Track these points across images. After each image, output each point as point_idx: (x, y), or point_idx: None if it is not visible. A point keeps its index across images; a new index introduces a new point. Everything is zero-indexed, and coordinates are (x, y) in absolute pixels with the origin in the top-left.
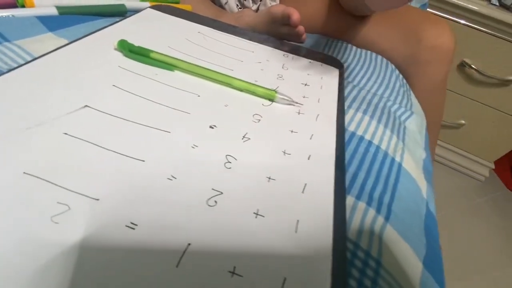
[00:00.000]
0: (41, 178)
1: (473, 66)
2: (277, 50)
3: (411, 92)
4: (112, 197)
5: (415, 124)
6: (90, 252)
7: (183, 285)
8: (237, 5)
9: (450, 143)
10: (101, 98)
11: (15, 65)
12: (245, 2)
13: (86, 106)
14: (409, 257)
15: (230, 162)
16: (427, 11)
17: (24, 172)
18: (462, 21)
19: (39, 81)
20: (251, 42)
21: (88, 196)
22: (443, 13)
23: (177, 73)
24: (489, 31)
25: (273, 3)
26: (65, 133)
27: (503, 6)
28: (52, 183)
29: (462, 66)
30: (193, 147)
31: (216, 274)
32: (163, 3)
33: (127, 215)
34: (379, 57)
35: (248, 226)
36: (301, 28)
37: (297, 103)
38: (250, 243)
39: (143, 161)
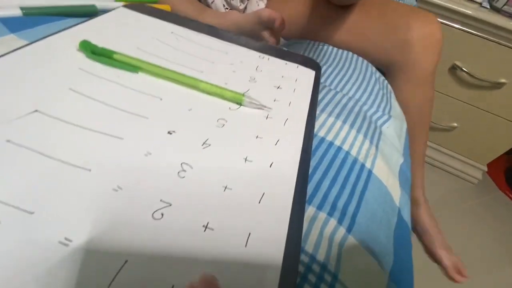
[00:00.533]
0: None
1: (464, 69)
2: (252, 51)
3: (392, 95)
4: (47, 210)
5: (393, 128)
6: (16, 268)
7: None
8: (224, 5)
9: (443, 145)
10: (55, 103)
11: None
12: (233, 2)
13: (36, 111)
14: (372, 269)
15: (184, 171)
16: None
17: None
18: (453, 24)
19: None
20: (226, 42)
21: (21, 209)
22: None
23: (141, 75)
24: (480, 34)
25: (261, 3)
26: (8, 140)
27: (494, 9)
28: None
29: (453, 69)
30: (146, 155)
31: None
32: (137, 2)
33: (61, 230)
34: (360, 59)
35: (194, 240)
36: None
37: (265, 107)
38: (194, 258)
39: (89, 170)
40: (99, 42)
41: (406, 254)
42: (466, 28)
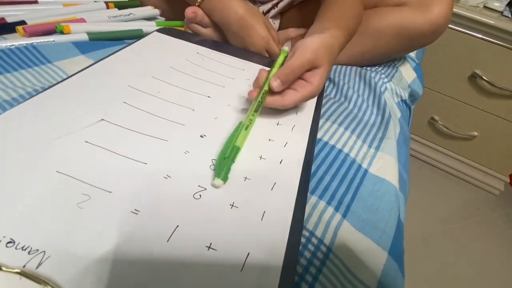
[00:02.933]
0: (69, 176)
1: (484, 78)
2: (266, 68)
3: (387, 104)
4: (121, 189)
5: (393, 132)
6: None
7: None
8: None
9: (463, 155)
10: (114, 113)
11: (54, 83)
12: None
13: (102, 119)
14: (366, 247)
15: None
16: None
17: (56, 171)
18: (474, 34)
19: (68, 97)
20: (242, 60)
21: (103, 189)
22: (453, 25)
23: (176, 89)
24: (500, 42)
25: (276, 22)
26: (86, 141)
27: None
28: (77, 179)
29: (473, 77)
30: (185, 153)
31: None
32: (170, 26)
33: (132, 204)
34: (361, 73)
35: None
36: None
37: None
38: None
39: (145, 163)
40: (142, 63)
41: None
42: (487, 37)
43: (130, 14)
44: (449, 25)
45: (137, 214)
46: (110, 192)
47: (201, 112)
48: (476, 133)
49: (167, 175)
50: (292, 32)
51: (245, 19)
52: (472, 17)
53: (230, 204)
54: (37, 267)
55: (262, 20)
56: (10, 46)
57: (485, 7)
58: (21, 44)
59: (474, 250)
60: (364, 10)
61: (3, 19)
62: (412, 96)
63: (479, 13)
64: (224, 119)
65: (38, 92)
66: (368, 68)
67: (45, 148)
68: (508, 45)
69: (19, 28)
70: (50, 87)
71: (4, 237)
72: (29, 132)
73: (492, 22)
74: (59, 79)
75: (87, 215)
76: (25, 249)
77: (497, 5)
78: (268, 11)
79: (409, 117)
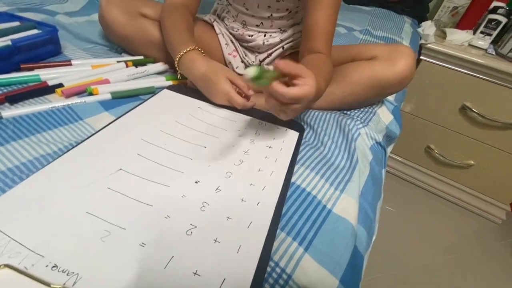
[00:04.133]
0: (95, 216)
1: (474, 110)
2: (254, 119)
3: (357, 149)
4: (133, 226)
5: (357, 174)
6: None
7: None
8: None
9: (462, 183)
10: (129, 163)
11: (83, 138)
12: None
13: (120, 169)
14: (322, 276)
15: (204, 206)
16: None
17: (86, 212)
18: (461, 70)
19: (94, 152)
20: (235, 113)
21: (120, 226)
22: (441, 62)
23: (178, 141)
24: (487, 78)
25: (270, 67)
26: (108, 188)
27: (499, 55)
28: (101, 218)
29: (463, 109)
30: (182, 197)
31: None
32: (179, 80)
33: (140, 238)
34: (337, 119)
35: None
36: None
37: None
38: None
39: (151, 205)
40: (154, 118)
41: (357, 273)
42: (473, 72)
43: (145, 71)
44: (438, 62)
45: (143, 246)
46: (125, 229)
47: (198, 161)
48: (472, 162)
49: (167, 215)
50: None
51: (207, 76)
52: (458, 55)
53: (214, 239)
54: (73, 285)
55: (224, 75)
56: (51, 108)
57: (470, 45)
58: (60, 106)
59: (478, 280)
60: (343, 64)
61: (45, 82)
62: (389, 136)
63: (464, 51)
64: (216, 166)
65: (71, 148)
66: (347, 113)
67: (78, 194)
68: (494, 80)
69: (58, 90)
70: (78, 144)
71: (50, 262)
72: (66, 181)
73: (477, 59)
74: (88, 134)
75: (108, 246)
76: (64, 272)
77: (481, 43)
78: (264, 59)
79: (384, 157)
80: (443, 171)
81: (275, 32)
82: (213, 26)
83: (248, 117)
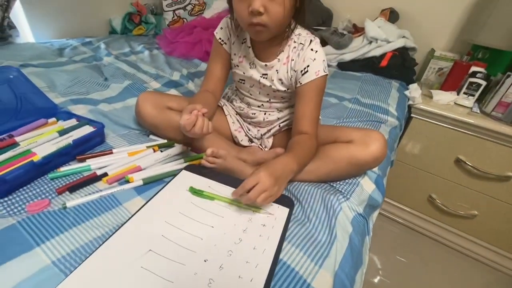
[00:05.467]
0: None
1: (468, 163)
2: None
3: (336, 225)
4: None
5: (335, 249)
6: None
7: None
8: (248, 140)
9: (470, 233)
10: (156, 244)
11: (122, 223)
12: (253, 140)
13: (150, 250)
14: None
15: (211, 283)
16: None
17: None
18: (450, 127)
19: (128, 236)
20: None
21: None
22: (430, 119)
23: (192, 222)
24: (475, 134)
25: (270, 140)
26: (142, 267)
27: (483, 113)
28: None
29: (458, 161)
30: (195, 274)
31: None
32: (195, 159)
33: None
34: (329, 196)
35: None
36: None
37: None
38: None
39: (172, 282)
40: (172, 200)
41: None
42: (461, 129)
43: (168, 155)
44: (428, 120)
45: None
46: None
47: (207, 241)
48: (476, 212)
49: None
50: (279, 150)
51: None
52: (445, 114)
53: None
54: None
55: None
56: (100, 196)
57: (456, 103)
58: (106, 194)
59: None
60: (326, 144)
61: (95, 173)
62: (372, 205)
63: (451, 110)
64: (221, 245)
65: (114, 231)
66: (333, 185)
67: (121, 274)
68: (481, 136)
69: (104, 179)
70: (117, 230)
71: None
72: (112, 262)
73: (463, 118)
74: (126, 217)
75: None
76: None
77: (466, 103)
78: (265, 133)
79: (366, 226)
80: (448, 220)
81: (273, 111)
82: (223, 109)
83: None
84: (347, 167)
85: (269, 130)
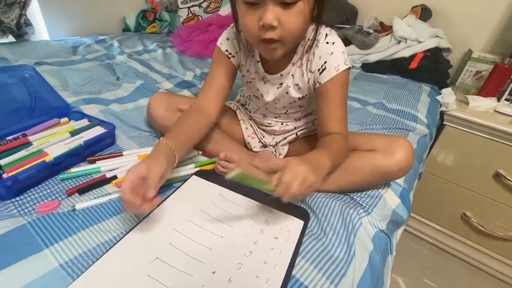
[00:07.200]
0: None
1: (509, 178)
2: (265, 206)
3: (355, 241)
4: None
5: (353, 268)
6: None
7: None
8: (260, 146)
9: (510, 258)
10: (163, 252)
11: (132, 226)
12: (267, 145)
13: (157, 258)
14: None
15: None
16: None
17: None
18: (489, 137)
19: (134, 242)
20: (249, 199)
21: None
22: (466, 128)
23: (201, 231)
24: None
25: (285, 147)
26: (148, 275)
27: None
28: None
29: (498, 176)
30: (202, 286)
31: None
32: (207, 164)
33: None
34: (348, 210)
35: None
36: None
37: None
38: None
39: (192, 275)
40: (181, 207)
41: None
42: (503, 140)
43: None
44: (464, 128)
45: None
46: None
47: (215, 251)
48: None
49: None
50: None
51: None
52: (483, 123)
53: None
54: None
55: (142, 168)
56: (109, 200)
57: (495, 111)
58: (115, 198)
59: None
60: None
61: (104, 175)
62: (395, 220)
63: (490, 118)
64: (230, 256)
65: (122, 237)
66: (353, 198)
67: (126, 280)
68: None
69: (113, 182)
70: (125, 235)
71: None
72: (118, 268)
73: (504, 128)
74: (134, 222)
75: None
76: None
77: (508, 110)
78: (280, 141)
79: (389, 244)
80: (484, 242)
81: (290, 121)
82: (236, 113)
83: (260, 204)
84: (369, 176)
85: (285, 138)
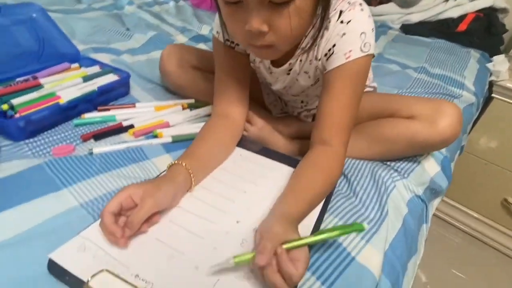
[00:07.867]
0: (162, 242)
1: None
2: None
3: (388, 202)
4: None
5: (385, 226)
6: None
7: None
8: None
9: None
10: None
11: (151, 177)
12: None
13: (156, 239)
14: None
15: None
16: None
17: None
18: None
19: None
20: (268, 160)
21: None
22: None
23: (206, 207)
24: None
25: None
26: (157, 238)
27: None
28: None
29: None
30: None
31: None
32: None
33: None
34: (380, 172)
35: None
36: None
37: None
38: None
39: (216, 223)
40: None
41: None
42: None
43: (197, 114)
44: None
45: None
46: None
47: (239, 203)
48: None
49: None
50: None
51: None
52: None
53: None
54: None
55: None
56: (127, 147)
57: None
58: (133, 146)
59: None
60: (379, 119)
61: (120, 123)
62: (434, 189)
63: None
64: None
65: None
66: (386, 164)
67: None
68: None
69: (130, 131)
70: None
71: (132, 274)
72: None
73: None
74: (153, 173)
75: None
76: (143, 280)
77: None
78: (302, 111)
79: (425, 212)
80: None
81: (311, 100)
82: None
83: (282, 165)
84: (406, 148)
85: (309, 111)
